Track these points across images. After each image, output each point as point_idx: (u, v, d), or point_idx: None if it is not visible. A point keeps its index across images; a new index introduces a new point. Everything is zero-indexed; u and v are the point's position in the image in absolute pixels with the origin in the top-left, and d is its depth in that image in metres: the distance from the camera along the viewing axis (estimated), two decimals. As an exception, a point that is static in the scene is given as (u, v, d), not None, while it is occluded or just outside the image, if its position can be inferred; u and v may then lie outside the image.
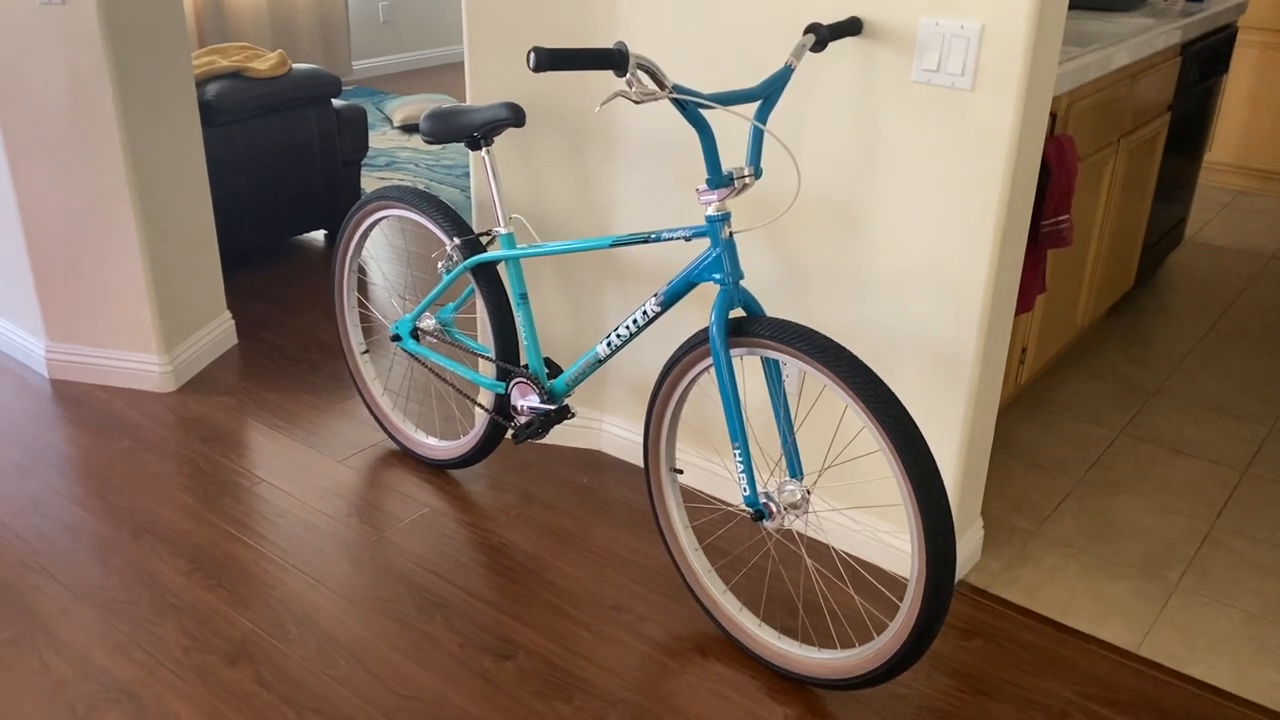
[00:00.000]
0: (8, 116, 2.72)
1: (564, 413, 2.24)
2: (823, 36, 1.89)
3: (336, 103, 3.89)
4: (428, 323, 2.50)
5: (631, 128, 2.34)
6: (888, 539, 2.28)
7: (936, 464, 1.68)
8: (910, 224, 2.04)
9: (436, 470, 2.63)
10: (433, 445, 2.61)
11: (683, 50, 2.21)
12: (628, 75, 1.60)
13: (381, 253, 4.03)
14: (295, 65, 3.78)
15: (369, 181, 4.71)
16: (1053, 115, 2.47)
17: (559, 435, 2.74)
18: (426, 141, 2.22)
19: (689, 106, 1.70)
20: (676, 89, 1.66)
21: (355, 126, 3.94)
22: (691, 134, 2.22)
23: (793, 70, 1.86)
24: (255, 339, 3.29)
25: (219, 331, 3.17)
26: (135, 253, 2.81)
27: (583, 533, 2.40)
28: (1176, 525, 2.49)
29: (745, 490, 1.87)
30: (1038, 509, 2.54)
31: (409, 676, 1.99)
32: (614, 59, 1.59)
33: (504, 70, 2.39)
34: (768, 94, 1.83)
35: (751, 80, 2.14)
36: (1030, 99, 1.88)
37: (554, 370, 2.37)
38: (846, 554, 2.34)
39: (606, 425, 2.69)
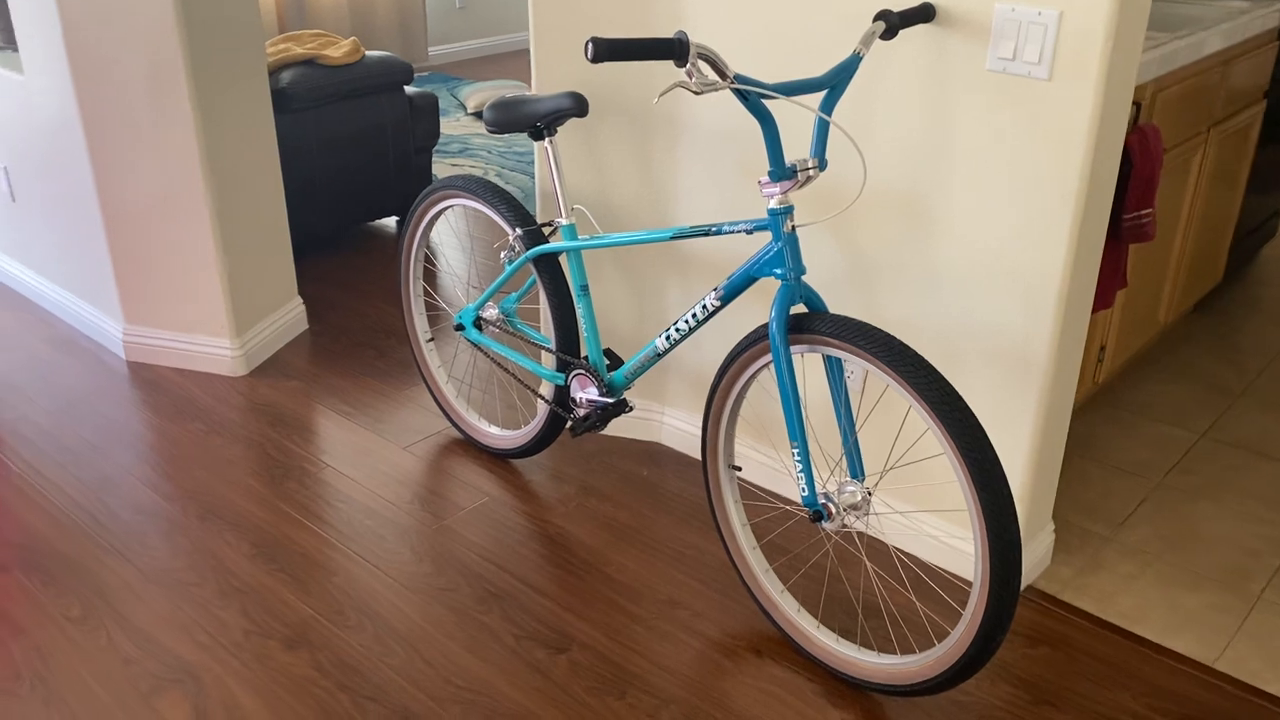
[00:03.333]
0: (88, 101, 2.79)
1: (621, 406, 2.22)
2: (892, 24, 1.84)
3: (409, 90, 3.92)
4: (490, 312, 2.50)
5: (696, 117, 2.31)
6: (952, 542, 2.22)
7: (1003, 470, 1.62)
8: (982, 218, 1.97)
9: (498, 459, 2.63)
10: (494, 434, 2.61)
11: (749, 38, 2.17)
12: (688, 65, 1.56)
13: (450, 241, 4.05)
14: (368, 52, 3.81)
15: (441, 168, 4.73)
16: (1136, 104, 2.37)
17: (619, 427, 2.72)
18: (490, 131, 2.21)
19: (751, 97, 1.66)
20: (738, 79, 1.62)
21: (427, 113, 3.96)
22: (755, 124, 2.17)
23: (861, 59, 1.80)
24: (325, 324, 3.33)
25: (290, 317, 3.22)
26: (208, 239, 2.86)
27: (641, 526, 2.38)
28: (1260, 534, 2.39)
29: (804, 490, 1.83)
30: (1113, 513, 2.45)
31: (464, 667, 1.99)
32: (674, 49, 1.55)
33: (568, 59, 2.37)
34: (834, 83, 1.78)
35: (820, 69, 2.09)
36: (1111, 90, 1.80)
37: (615, 362, 2.35)
38: (908, 556, 2.28)
39: (667, 418, 2.67)
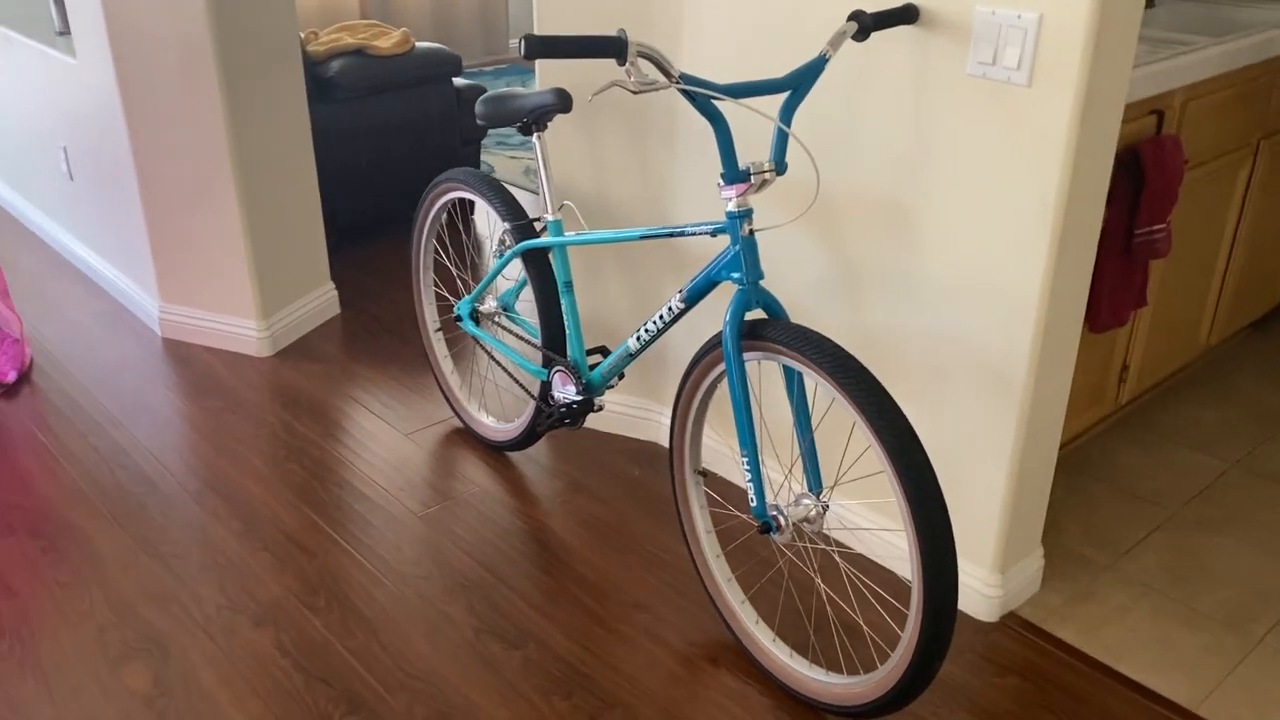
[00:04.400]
0: (128, 85, 2.89)
1: (588, 405, 2.20)
2: (865, 24, 1.78)
3: (457, 81, 3.96)
4: (486, 305, 2.52)
5: (693, 113, 2.27)
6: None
7: (939, 490, 1.56)
8: (962, 229, 1.90)
9: (494, 451, 2.64)
10: (489, 425, 2.63)
11: (751, 35, 2.12)
12: (627, 64, 1.54)
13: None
14: (419, 44, 3.86)
15: (499, 160, 4.78)
16: (1159, 113, 2.25)
17: (617, 425, 2.70)
18: (480, 125, 2.22)
19: (698, 98, 1.63)
20: (684, 78, 1.59)
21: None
22: (754, 119, 2.13)
23: (827, 61, 1.75)
24: (357, 310, 3.40)
25: (320, 301, 3.29)
26: (236, 223, 2.95)
27: (622, 526, 2.37)
28: (1276, 574, 2.25)
29: (753, 501, 1.79)
30: (1118, 542, 2.34)
31: (418, 655, 2.01)
32: (613, 46, 1.53)
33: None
34: (796, 85, 1.73)
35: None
36: (1094, 97, 1.71)
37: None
38: (865, 570, 2.22)
39: (664, 418, 2.64)
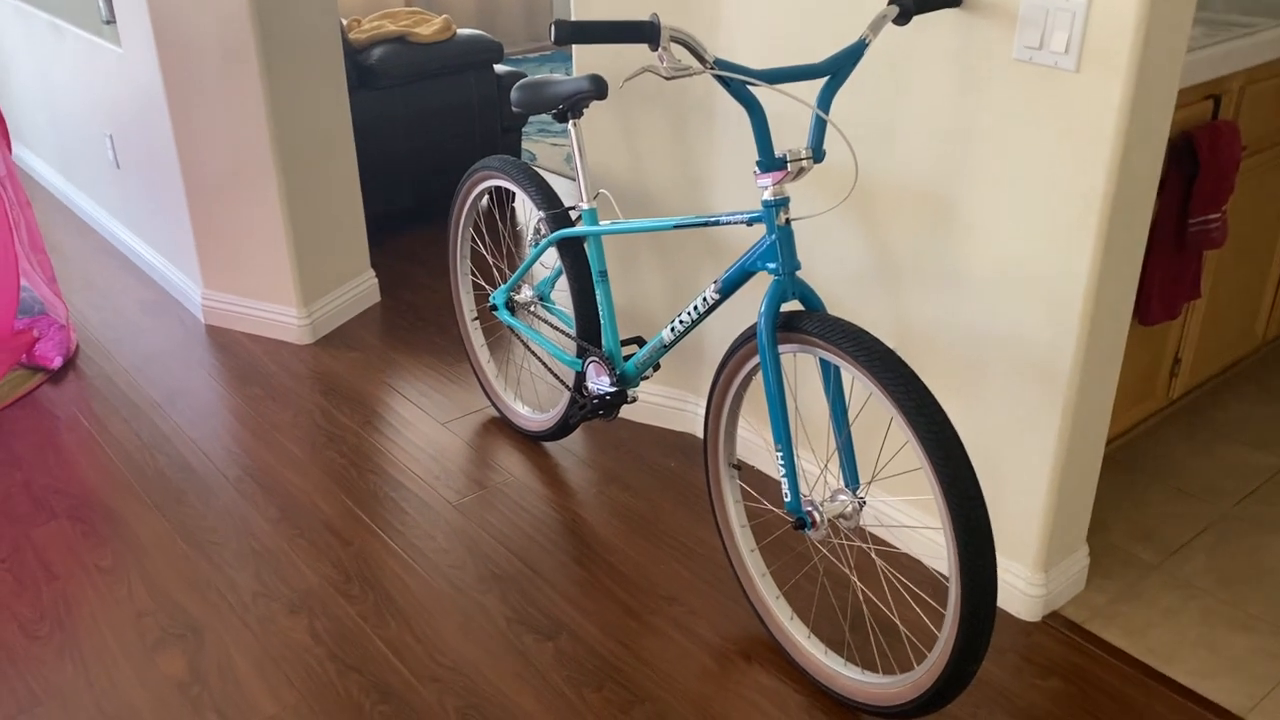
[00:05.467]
0: (171, 73, 2.91)
1: (621, 398, 2.18)
2: (906, 7, 1.73)
3: (499, 68, 3.95)
4: (523, 294, 2.50)
5: (731, 100, 2.24)
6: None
7: (978, 489, 1.51)
8: (1006, 219, 1.84)
9: (529, 441, 2.63)
10: (525, 415, 2.62)
11: (786, 21, 2.08)
12: (659, 49, 1.51)
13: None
14: (460, 30, 3.85)
15: (541, 148, 4.76)
16: (1215, 98, 2.17)
17: (653, 416, 2.68)
18: (515, 112, 2.20)
19: (733, 84, 1.59)
20: (718, 64, 1.56)
21: (516, 92, 3.97)
22: (792, 106, 2.09)
23: (867, 45, 1.71)
24: (397, 298, 3.40)
25: (361, 289, 3.30)
26: (276, 211, 2.96)
27: (656, 518, 2.35)
28: (1332, 575, 2.17)
29: (787, 496, 1.76)
30: (1168, 540, 2.28)
31: (451, 646, 2.00)
32: (645, 31, 1.50)
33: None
34: (835, 70, 1.69)
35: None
36: (1145, 83, 1.65)
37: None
38: (902, 565, 2.17)
39: (701, 409, 2.61)
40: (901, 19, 1.73)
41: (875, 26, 1.71)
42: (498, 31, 6.52)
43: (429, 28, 3.76)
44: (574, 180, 4.31)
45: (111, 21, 3.29)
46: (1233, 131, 2.12)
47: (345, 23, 3.78)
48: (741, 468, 2.01)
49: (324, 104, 3.02)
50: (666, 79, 1.48)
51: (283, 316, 3.11)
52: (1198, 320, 2.47)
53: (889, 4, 1.74)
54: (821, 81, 1.70)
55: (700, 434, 2.64)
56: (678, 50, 1.60)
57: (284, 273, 3.05)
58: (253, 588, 2.16)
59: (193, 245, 3.16)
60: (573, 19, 1.45)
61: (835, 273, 2.17)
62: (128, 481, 2.50)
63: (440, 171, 3.88)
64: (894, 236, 2.03)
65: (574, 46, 2.37)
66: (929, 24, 1.84)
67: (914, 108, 1.92)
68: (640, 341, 2.34)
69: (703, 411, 2.61)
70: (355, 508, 2.39)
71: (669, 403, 2.65)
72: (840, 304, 2.18)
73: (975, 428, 2.01)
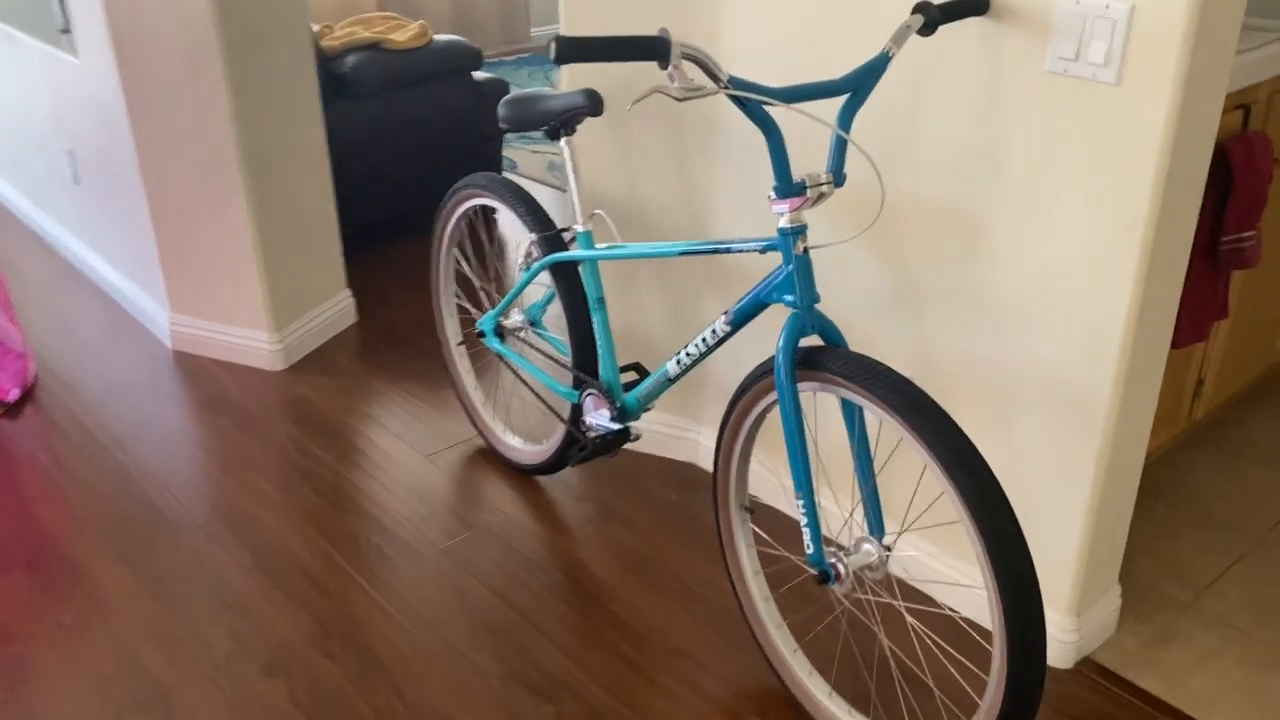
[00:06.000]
0: (131, 87, 2.73)
1: (624, 435, 2.03)
2: (932, 18, 1.59)
3: (477, 75, 3.79)
4: (512, 319, 2.35)
5: (733, 114, 2.09)
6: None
7: (1026, 550, 1.38)
8: (1039, 242, 1.71)
9: (520, 474, 2.48)
10: (516, 447, 2.47)
11: (791, 32, 1.94)
12: (670, 68, 1.36)
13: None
14: (437, 36, 3.69)
15: (523, 156, 4.61)
16: (1245, 108, 2.05)
17: (653, 445, 2.54)
18: (502, 129, 2.05)
19: (749, 104, 1.45)
20: (733, 82, 1.41)
21: (497, 100, 3.82)
22: (800, 120, 1.95)
23: (890, 58, 1.57)
24: (374, 318, 3.24)
25: (336, 310, 3.13)
26: (245, 231, 2.79)
27: (658, 558, 2.20)
28: (1375, 611, 2.06)
29: (809, 548, 1.62)
30: (1198, 574, 2.16)
31: (441, 710, 1.85)
32: (654, 48, 1.35)
33: (600, 29, 2.18)
34: (856, 87, 1.55)
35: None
36: (1192, 97, 1.52)
37: (644, 377, 2.18)
38: (932, 619, 2.04)
39: (704, 438, 2.47)
40: (926, 29, 1.60)
41: (898, 38, 1.57)
42: (474, 35, 6.35)
43: (404, 34, 3.59)
44: (557, 189, 4.16)
45: (67, 31, 3.11)
46: (1265, 143, 2.00)
47: (317, 29, 3.61)
48: (755, 510, 1.86)
49: (295, 115, 2.85)
50: (678, 100, 1.34)
51: (254, 341, 2.94)
52: (1221, 339, 2.35)
53: (912, 13, 1.60)
54: (841, 100, 1.56)
55: (703, 464, 2.50)
56: (689, 68, 1.46)
57: (254, 295, 2.88)
58: (225, 646, 2.00)
59: (158, 267, 2.98)
60: (569, 34, 1.30)
61: (850, 298, 2.03)
62: (90, 527, 2.33)
63: (418, 183, 3.72)
64: (915, 260, 1.90)
65: (562, 23, 2.22)
66: (952, 33, 1.71)
67: (936, 123, 1.78)
68: (638, 368, 2.20)
69: (704, 440, 2.47)
70: (334, 553, 2.23)
71: (669, 431, 2.51)
72: (856, 331, 2.04)
73: (1004, 466, 1.88)
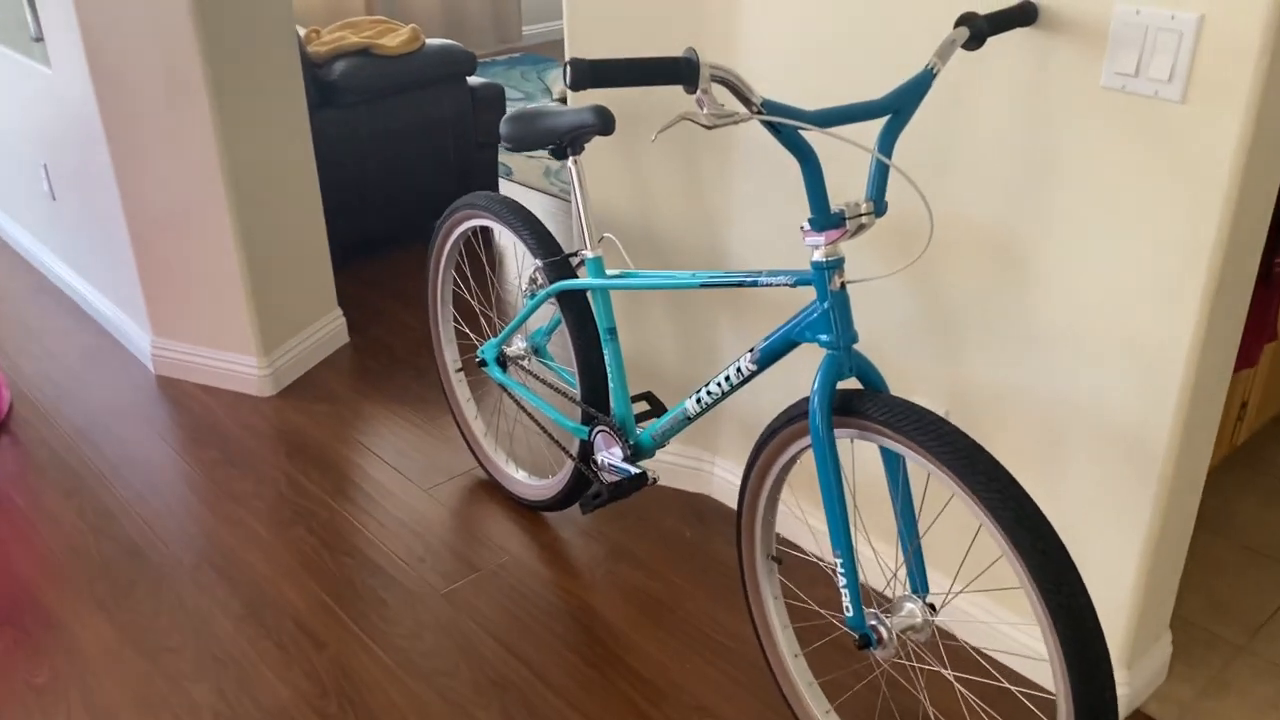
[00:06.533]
0: (108, 101, 2.59)
1: (641, 480, 1.89)
2: (979, 30, 1.45)
3: (472, 80, 3.64)
4: (515, 347, 2.21)
5: (752, 131, 1.95)
6: (1038, 647, 1.84)
7: (1098, 624, 1.25)
8: (1091, 270, 1.58)
9: (525, 509, 2.34)
10: (521, 481, 2.33)
11: (815, 47, 1.80)
12: (698, 92, 1.22)
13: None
14: (430, 41, 3.54)
15: (517, 161, 4.46)
16: (1300, 119, 1.91)
17: (667, 476, 2.40)
18: (506, 148, 1.91)
19: (784, 130, 1.31)
20: (767, 107, 1.27)
21: (492, 106, 3.68)
22: (822, 136, 1.81)
23: (935, 75, 1.43)
24: (368, 337, 3.10)
25: (327, 331, 2.99)
26: (231, 252, 2.64)
27: (676, 603, 2.07)
28: None
29: (849, 611, 1.48)
30: (1249, 613, 2.03)
31: (448, 778, 1.72)
32: (680, 70, 1.21)
33: (607, 46, 2.04)
34: (899, 107, 1.41)
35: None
36: (1266, 117, 1.39)
37: (656, 409, 2.04)
38: (979, 703, 1.91)
39: (718, 469, 2.34)
40: (973, 43, 1.46)
41: (943, 53, 1.43)
42: (465, 35, 6.20)
43: (395, 39, 3.44)
44: (555, 196, 4.02)
45: (40, 39, 2.95)
46: (1323, 157, 1.86)
47: (303, 34, 3.46)
48: (783, 561, 1.73)
49: (281, 126, 2.70)
50: (708, 128, 1.20)
51: (241, 366, 2.80)
52: (1266, 361, 2.22)
53: (956, 26, 1.46)
54: (881, 121, 1.42)
55: (718, 496, 2.36)
56: (719, 91, 1.33)
57: (240, 317, 2.73)
58: (214, 706, 1.86)
59: (138, 288, 2.83)
60: (586, 58, 1.16)
61: (882, 326, 1.89)
62: (68, 573, 2.18)
63: (411, 194, 3.57)
64: (954, 286, 1.76)
65: (567, 43, 2.07)
66: (998, 46, 1.57)
67: (979, 142, 1.64)
68: (650, 398, 2.06)
69: (720, 471, 2.33)
70: (329, 599, 2.09)
71: (683, 461, 2.37)
72: (889, 363, 1.91)
73: (1051, 508, 1.75)
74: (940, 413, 1.83)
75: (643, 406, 2.12)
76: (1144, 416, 1.59)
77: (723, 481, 2.33)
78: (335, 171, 3.33)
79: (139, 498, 2.41)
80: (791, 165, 1.91)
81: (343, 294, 3.33)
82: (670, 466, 2.38)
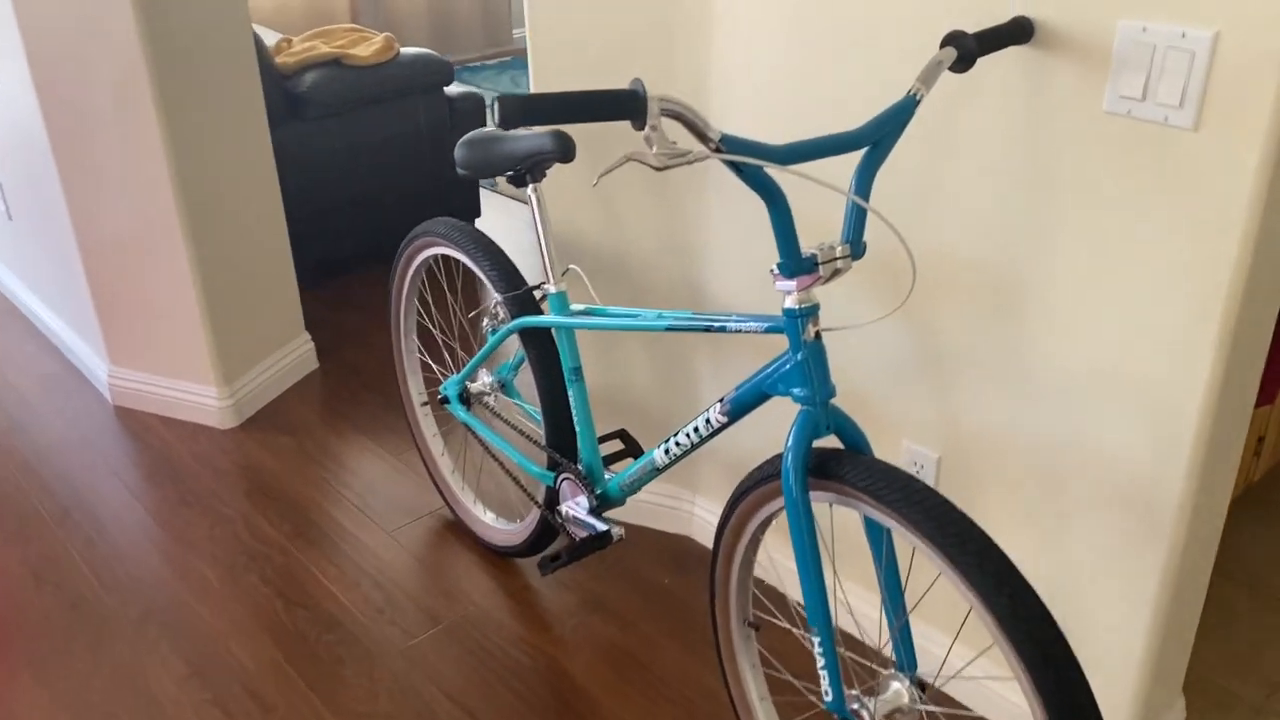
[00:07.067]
0: (54, 118, 2.45)
1: (604, 539, 1.75)
2: (967, 51, 1.31)
3: (450, 90, 3.50)
4: (479, 383, 2.07)
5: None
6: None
7: (1096, 708, 1.11)
8: (1093, 310, 1.43)
9: (493, 552, 2.20)
10: (488, 525, 2.19)
11: (801, 74, 1.66)
12: (647, 128, 1.08)
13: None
14: (405, 50, 3.40)
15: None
16: (1321, 137, 1.76)
17: (643, 517, 2.26)
18: (461, 175, 1.77)
19: (746, 168, 1.17)
20: (727, 143, 1.13)
21: (471, 117, 3.54)
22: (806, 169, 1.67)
23: (918, 102, 1.29)
24: (338, 360, 2.96)
25: (294, 357, 2.85)
26: (185, 274, 2.50)
27: (651, 659, 1.93)
28: None
29: (828, 694, 1.34)
30: (1267, 667, 1.88)
31: None
32: (624, 104, 1.07)
33: (572, 73, 1.90)
34: (877, 138, 1.27)
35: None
36: (1289, 144, 1.24)
37: (631, 449, 1.90)
38: (988, 727, 1.77)
39: (699, 509, 2.20)
40: (961, 64, 1.31)
41: (928, 77, 1.29)
42: (454, 38, 6.05)
43: (368, 48, 3.30)
44: (524, 203, 3.87)
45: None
46: (1347, 178, 1.71)
47: (274, 44, 3.32)
48: (761, 627, 1.59)
49: (240, 143, 2.56)
50: (658, 169, 1.06)
51: (201, 397, 2.66)
52: (1284, 391, 2.08)
53: (943, 46, 1.31)
54: (858, 154, 1.28)
55: (699, 538, 2.22)
56: (671, 126, 1.19)
57: (198, 346, 2.60)
58: (149, 782, 1.72)
59: (95, 317, 2.70)
60: (516, 95, 1.02)
61: (870, 365, 1.75)
62: (3, 627, 2.05)
63: (386, 209, 3.43)
64: (946, 325, 1.62)
65: (531, 69, 1.93)
66: (989, 66, 1.42)
67: (970, 170, 1.50)
68: (624, 436, 1.92)
69: (700, 511, 2.19)
70: (280, 657, 1.96)
71: (663, 501, 2.23)
72: (869, 404, 1.76)
73: (1052, 563, 1.61)
74: (933, 458, 1.69)
75: (617, 445, 1.97)
76: (1154, 471, 1.44)
77: (703, 522, 2.19)
78: (305, 188, 3.19)
79: (86, 542, 2.27)
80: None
81: (313, 316, 3.19)
82: (648, 506, 2.24)
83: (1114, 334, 1.42)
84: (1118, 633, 1.56)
